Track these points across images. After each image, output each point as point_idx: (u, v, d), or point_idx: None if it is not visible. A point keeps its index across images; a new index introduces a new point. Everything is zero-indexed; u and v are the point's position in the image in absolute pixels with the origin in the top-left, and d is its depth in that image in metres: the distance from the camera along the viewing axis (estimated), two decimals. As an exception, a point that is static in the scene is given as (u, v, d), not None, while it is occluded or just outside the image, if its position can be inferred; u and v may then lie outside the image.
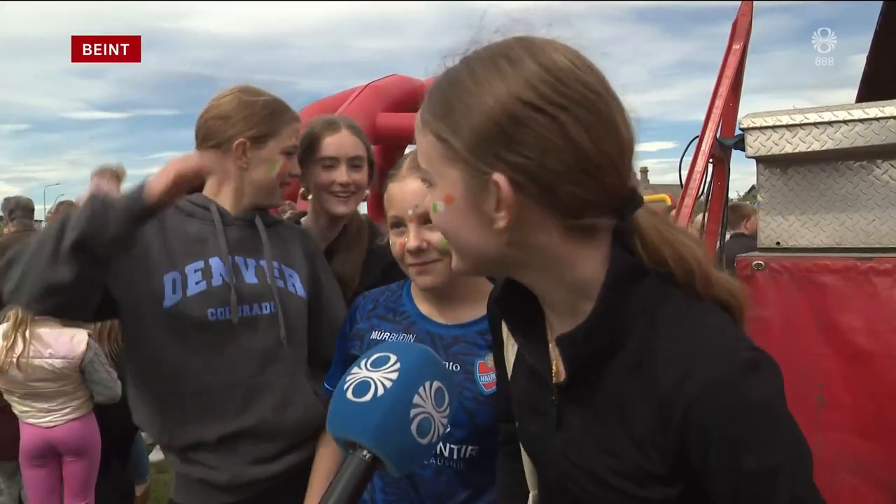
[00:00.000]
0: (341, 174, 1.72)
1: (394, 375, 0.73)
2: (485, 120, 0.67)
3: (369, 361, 0.76)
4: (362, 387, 0.72)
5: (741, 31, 2.36)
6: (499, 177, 0.67)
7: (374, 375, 0.73)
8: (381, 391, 0.72)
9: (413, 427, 0.71)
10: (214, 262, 1.47)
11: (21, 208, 4.51)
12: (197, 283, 1.43)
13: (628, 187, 0.72)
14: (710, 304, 0.73)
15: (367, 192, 1.83)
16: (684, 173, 2.20)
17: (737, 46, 2.34)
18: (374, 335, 1.30)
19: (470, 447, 1.20)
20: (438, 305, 1.29)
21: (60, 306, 1.32)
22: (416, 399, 0.73)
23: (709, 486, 0.67)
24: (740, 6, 2.41)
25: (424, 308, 1.30)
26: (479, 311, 1.26)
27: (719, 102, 2.23)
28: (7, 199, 4.62)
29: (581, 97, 0.67)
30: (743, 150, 1.99)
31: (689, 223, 2.17)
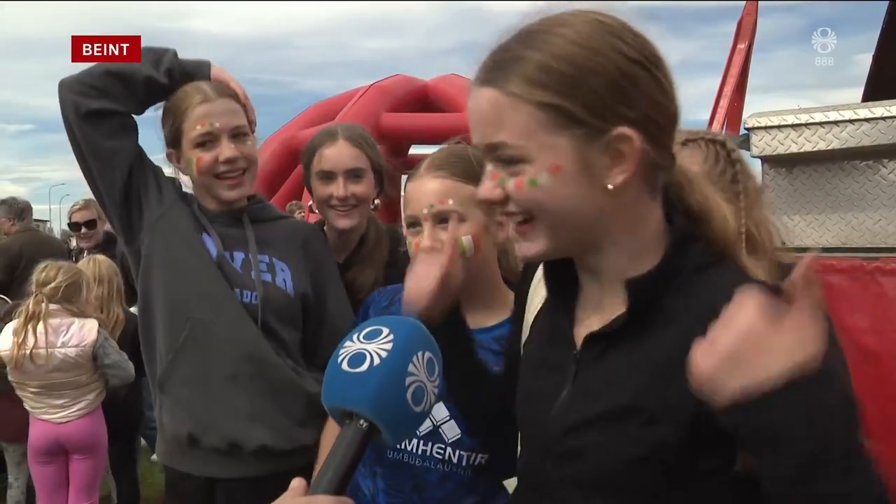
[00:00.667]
0: (338, 188, 1.64)
1: (388, 346, 0.74)
2: (602, 81, 0.70)
3: (362, 334, 0.77)
4: (358, 358, 0.74)
5: (746, 31, 2.35)
6: (627, 130, 0.71)
7: (368, 347, 0.74)
8: (377, 361, 0.73)
9: (408, 395, 0.73)
10: (207, 239, 1.53)
11: (29, 209, 4.68)
12: None
13: None
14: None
15: (377, 201, 1.76)
16: (689, 173, 2.19)
17: (741, 46, 2.33)
18: None
19: (480, 455, 1.18)
20: None
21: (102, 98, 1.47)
22: (411, 368, 0.74)
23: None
24: (745, 6, 2.40)
25: None
26: (496, 316, 1.25)
27: (724, 102, 2.23)
28: (14, 200, 4.70)
29: (660, 58, 0.74)
30: (748, 149, 1.99)
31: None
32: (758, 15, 2.41)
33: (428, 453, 1.19)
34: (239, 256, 1.53)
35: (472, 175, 1.16)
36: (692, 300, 0.74)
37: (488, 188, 0.77)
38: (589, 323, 0.82)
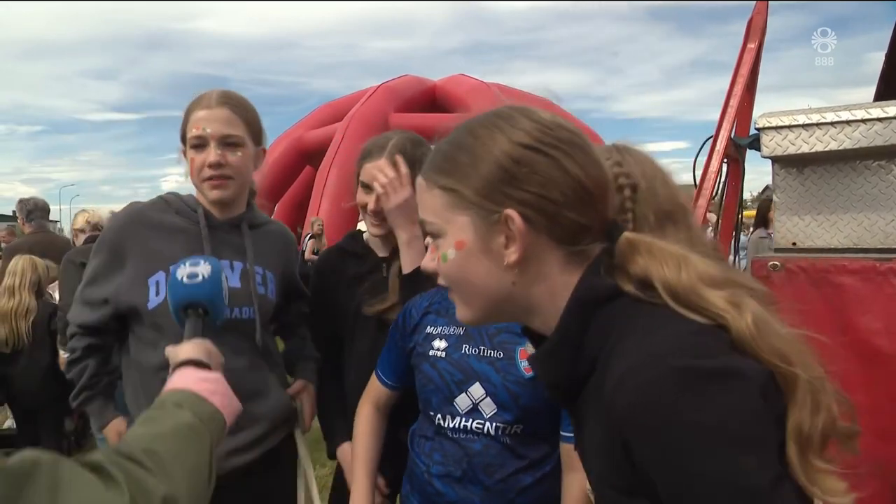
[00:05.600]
0: (372, 201, 1.70)
1: (209, 269, 1.25)
2: (491, 167, 0.77)
3: (187, 264, 1.26)
4: (192, 275, 1.24)
5: (756, 30, 2.33)
6: (510, 211, 0.76)
7: (197, 269, 1.24)
8: (207, 275, 1.24)
9: (224, 292, 1.28)
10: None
11: (39, 209, 4.64)
12: None
13: (612, 215, 0.81)
14: (682, 315, 0.71)
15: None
16: (698, 173, 2.18)
17: (752, 45, 2.31)
18: (429, 329, 1.47)
19: (516, 426, 1.34)
20: None
21: None
22: (222, 279, 1.27)
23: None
24: (755, 5, 2.38)
25: None
26: None
27: (734, 102, 2.21)
28: (24, 201, 4.72)
29: (568, 139, 0.79)
30: (758, 149, 1.97)
31: (705, 224, 2.15)
32: (768, 14, 2.39)
33: (469, 427, 1.36)
34: (238, 266, 1.63)
35: None
36: (604, 379, 0.71)
37: (427, 259, 0.89)
38: None
